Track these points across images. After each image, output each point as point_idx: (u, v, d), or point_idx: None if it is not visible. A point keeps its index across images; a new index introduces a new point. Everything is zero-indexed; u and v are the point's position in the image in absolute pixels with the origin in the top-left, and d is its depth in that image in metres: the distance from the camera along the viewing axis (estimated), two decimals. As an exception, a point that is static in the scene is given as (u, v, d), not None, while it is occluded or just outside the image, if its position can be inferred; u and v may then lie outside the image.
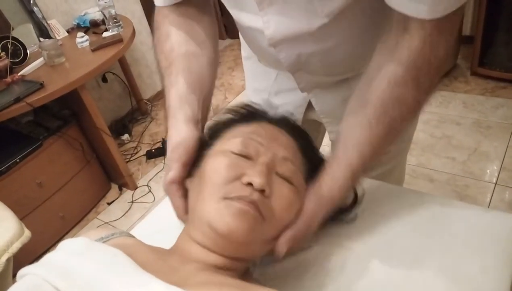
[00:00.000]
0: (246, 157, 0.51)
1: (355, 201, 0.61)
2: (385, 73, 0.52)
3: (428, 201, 0.65)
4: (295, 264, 0.59)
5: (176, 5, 0.67)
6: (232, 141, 0.53)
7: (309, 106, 0.82)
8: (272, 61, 0.70)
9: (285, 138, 0.56)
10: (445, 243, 0.58)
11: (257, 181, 0.47)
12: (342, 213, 0.61)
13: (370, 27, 0.59)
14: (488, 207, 1.68)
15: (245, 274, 0.52)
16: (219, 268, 0.48)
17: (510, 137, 1.98)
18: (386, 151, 0.57)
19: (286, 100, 0.82)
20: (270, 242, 0.51)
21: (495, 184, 1.78)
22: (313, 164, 0.57)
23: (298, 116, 0.83)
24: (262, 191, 0.47)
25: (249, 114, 0.61)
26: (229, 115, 0.61)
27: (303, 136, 0.59)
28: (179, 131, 0.57)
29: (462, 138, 2.04)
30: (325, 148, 0.87)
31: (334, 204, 0.55)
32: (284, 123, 0.60)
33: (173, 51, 0.64)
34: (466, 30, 2.62)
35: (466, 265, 0.55)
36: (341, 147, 0.56)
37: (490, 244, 0.57)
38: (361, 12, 0.58)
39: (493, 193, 1.74)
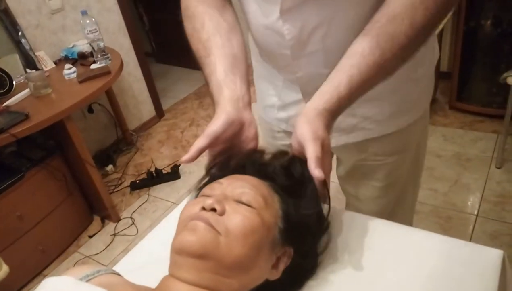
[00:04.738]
0: (209, 195, 0.56)
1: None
2: (385, 10, 0.58)
3: (410, 234, 0.67)
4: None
5: None
6: (202, 191, 0.60)
7: None
8: (275, 44, 0.73)
9: (249, 177, 0.60)
10: (427, 276, 0.59)
11: (208, 202, 0.52)
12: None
13: (371, 6, 0.63)
14: (470, 238, 1.70)
15: None
16: None
17: (489, 169, 2.04)
18: (372, 86, 0.62)
19: (291, 113, 0.87)
20: (244, 269, 0.51)
21: (476, 216, 1.81)
22: (289, 190, 0.60)
23: None
24: (213, 210, 0.52)
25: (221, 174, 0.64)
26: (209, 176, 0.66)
27: (268, 176, 0.62)
28: (214, 118, 0.63)
29: (443, 170, 2.09)
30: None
31: (322, 115, 0.59)
32: (252, 171, 0.63)
33: (209, 40, 0.70)
34: (444, 66, 2.73)
35: (448, 299, 0.55)
36: (333, 71, 0.61)
37: (472, 278, 0.57)
38: None
39: (474, 225, 1.77)
